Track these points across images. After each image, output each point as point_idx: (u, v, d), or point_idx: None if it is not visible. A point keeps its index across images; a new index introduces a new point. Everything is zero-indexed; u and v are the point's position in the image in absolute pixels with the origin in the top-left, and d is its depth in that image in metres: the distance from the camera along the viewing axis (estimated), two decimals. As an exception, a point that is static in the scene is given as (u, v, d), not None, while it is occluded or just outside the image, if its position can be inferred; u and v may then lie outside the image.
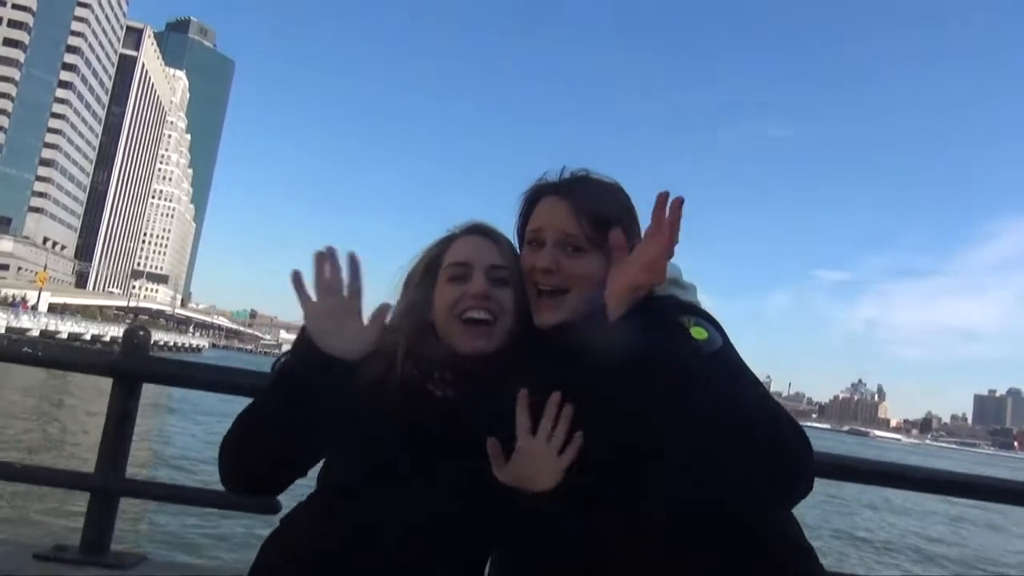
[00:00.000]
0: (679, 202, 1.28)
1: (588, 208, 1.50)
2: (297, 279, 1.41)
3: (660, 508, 1.31)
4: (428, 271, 1.62)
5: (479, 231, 1.64)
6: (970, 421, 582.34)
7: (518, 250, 1.63)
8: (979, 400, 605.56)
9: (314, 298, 1.41)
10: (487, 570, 1.55)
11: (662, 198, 1.30)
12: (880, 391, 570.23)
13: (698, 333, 1.36)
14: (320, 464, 1.53)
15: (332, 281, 1.42)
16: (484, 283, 1.54)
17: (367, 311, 1.45)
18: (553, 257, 1.49)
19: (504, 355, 1.54)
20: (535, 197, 1.59)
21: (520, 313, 1.56)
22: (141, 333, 2.83)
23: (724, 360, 1.35)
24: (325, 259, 1.42)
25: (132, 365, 2.79)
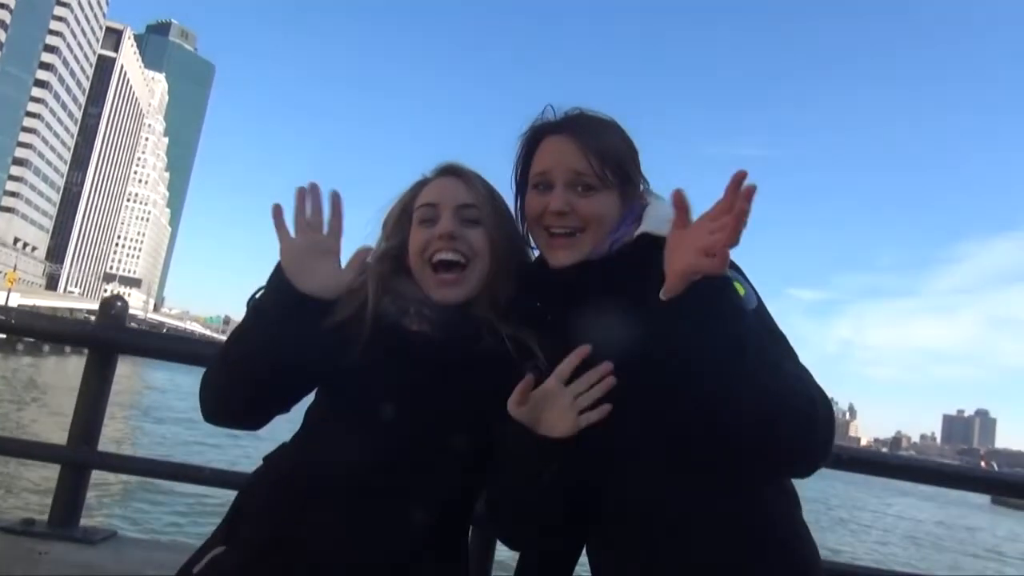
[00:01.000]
0: (752, 189, 1.11)
1: (596, 145, 1.43)
2: (278, 213, 1.37)
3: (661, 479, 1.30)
4: (402, 216, 1.58)
5: (449, 171, 1.58)
6: (939, 441, 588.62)
7: (515, 195, 1.57)
8: (947, 420, 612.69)
9: (292, 234, 1.38)
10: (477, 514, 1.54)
11: (739, 177, 1.11)
12: (851, 410, 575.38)
13: (738, 287, 1.28)
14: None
15: (312, 219, 1.38)
16: (451, 222, 1.48)
17: (347, 254, 1.42)
18: (566, 198, 1.42)
19: (482, 297, 1.50)
20: (536, 138, 1.51)
21: (495, 253, 1.50)
22: (119, 304, 2.78)
23: (761, 323, 1.29)
24: (306, 195, 1.38)
25: (108, 335, 2.73)
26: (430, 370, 1.43)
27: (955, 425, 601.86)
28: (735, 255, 1.16)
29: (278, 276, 1.37)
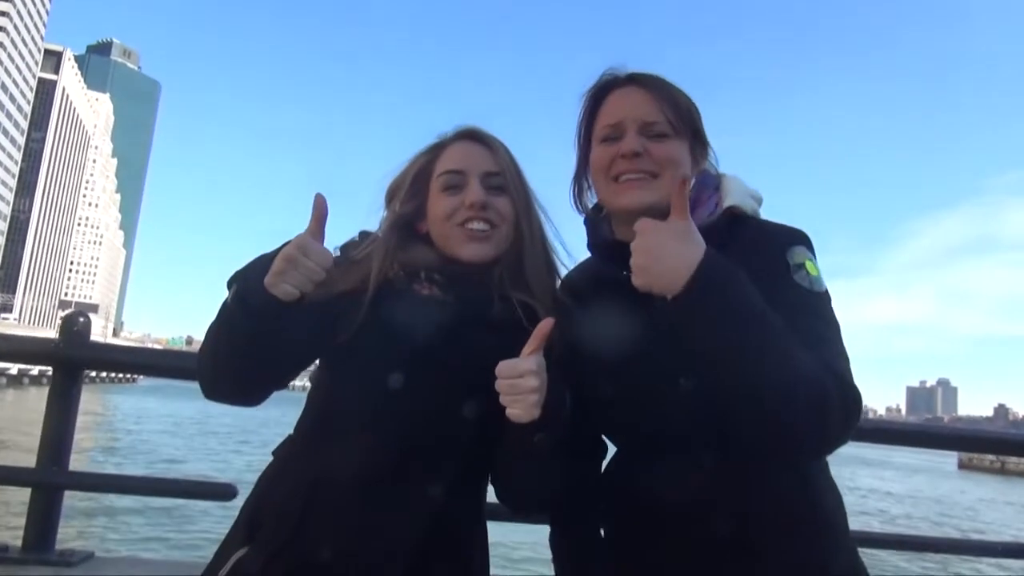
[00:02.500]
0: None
1: (666, 94, 1.39)
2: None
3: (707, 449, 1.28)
4: (417, 180, 1.50)
5: (471, 136, 1.51)
6: (904, 412, 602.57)
7: (579, 155, 1.50)
8: (911, 392, 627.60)
9: (319, 239, 1.26)
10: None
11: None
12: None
13: (812, 269, 1.29)
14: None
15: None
16: (481, 192, 1.43)
17: None
18: (639, 140, 1.36)
19: (499, 263, 1.45)
20: (601, 94, 1.45)
21: (517, 221, 1.47)
22: (81, 320, 2.70)
23: (827, 305, 1.30)
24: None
25: (73, 351, 2.65)
26: (439, 332, 1.36)
27: (918, 396, 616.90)
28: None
29: (258, 275, 1.25)
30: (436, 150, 1.51)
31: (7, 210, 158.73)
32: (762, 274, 1.22)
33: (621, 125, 1.38)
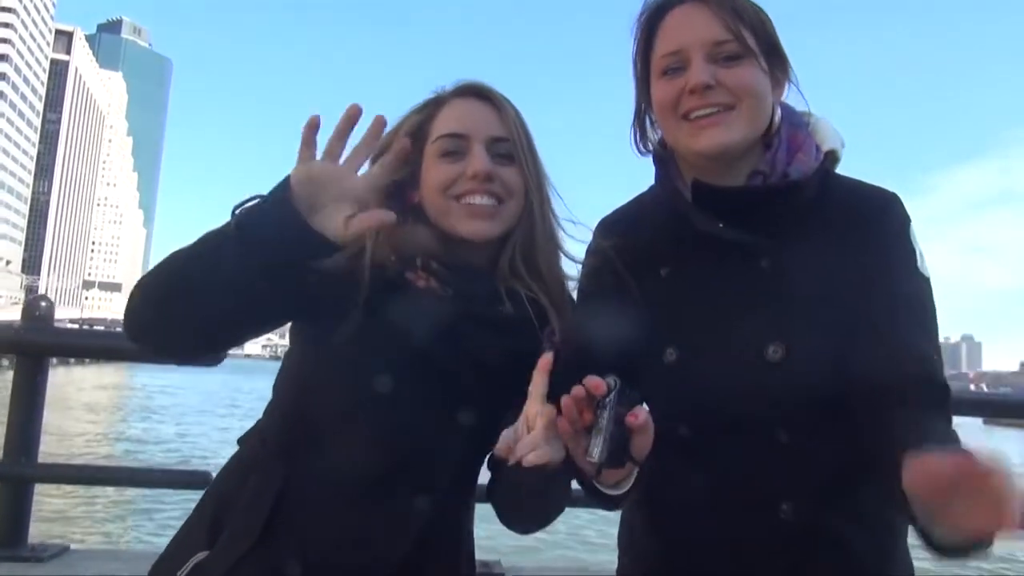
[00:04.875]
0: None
1: (730, 5, 1.16)
2: (313, 126, 1.03)
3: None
4: (412, 142, 1.24)
5: (475, 93, 1.29)
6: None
7: (637, 95, 1.29)
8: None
9: (318, 155, 1.04)
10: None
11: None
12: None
13: (919, 255, 1.17)
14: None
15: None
16: (486, 160, 1.22)
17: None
18: (709, 70, 1.14)
19: (508, 244, 1.25)
20: (655, 18, 1.21)
21: (527, 195, 1.25)
22: (43, 304, 2.59)
23: (932, 292, 1.17)
24: (355, 119, 1.05)
25: (35, 338, 2.55)
26: (436, 331, 1.17)
27: (943, 352, 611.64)
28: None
29: (283, 200, 1.01)
30: (432, 107, 1.28)
31: (27, 192, 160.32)
32: (876, 252, 1.10)
33: (684, 52, 1.16)
